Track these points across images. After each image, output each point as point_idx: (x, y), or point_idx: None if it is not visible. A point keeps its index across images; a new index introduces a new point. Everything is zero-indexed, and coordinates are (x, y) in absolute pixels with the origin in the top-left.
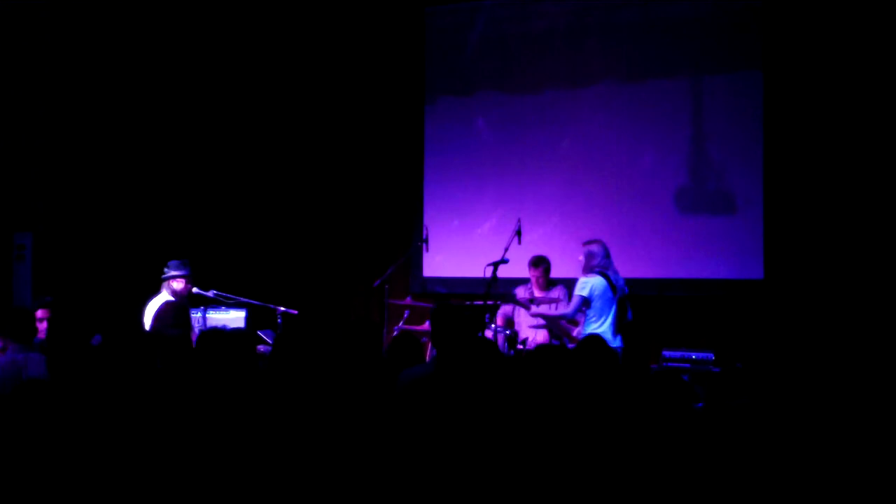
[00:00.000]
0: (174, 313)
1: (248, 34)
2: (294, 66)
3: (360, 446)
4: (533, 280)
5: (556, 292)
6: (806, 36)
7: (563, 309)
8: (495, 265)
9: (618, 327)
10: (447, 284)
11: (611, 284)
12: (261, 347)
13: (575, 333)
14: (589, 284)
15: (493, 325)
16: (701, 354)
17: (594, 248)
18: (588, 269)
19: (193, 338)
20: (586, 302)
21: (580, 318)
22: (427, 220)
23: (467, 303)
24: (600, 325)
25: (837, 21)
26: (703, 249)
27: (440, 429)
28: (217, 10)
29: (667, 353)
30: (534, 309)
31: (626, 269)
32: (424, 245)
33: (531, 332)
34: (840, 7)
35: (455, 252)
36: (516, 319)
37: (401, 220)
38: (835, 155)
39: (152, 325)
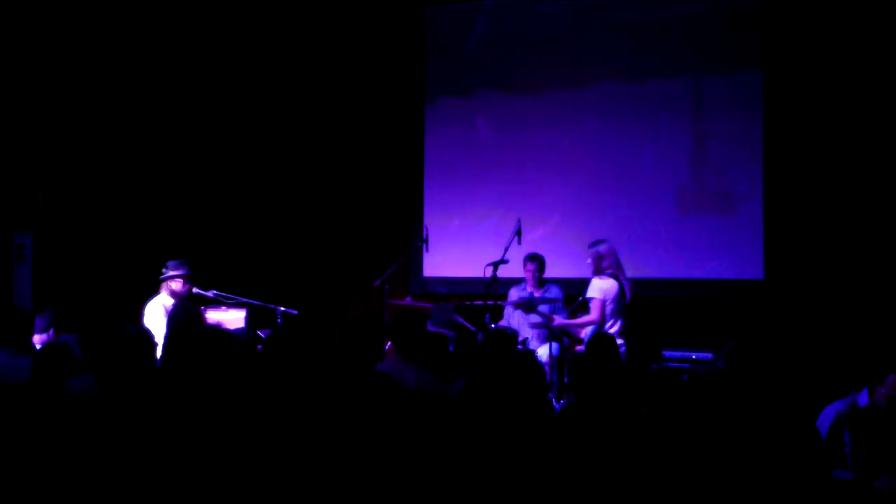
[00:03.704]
0: (187, 311)
1: (248, 34)
2: (294, 66)
3: (360, 446)
4: (528, 276)
5: (554, 292)
6: (806, 36)
7: (589, 316)
8: (495, 265)
9: (623, 332)
10: (447, 284)
11: (622, 290)
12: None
13: (582, 335)
14: (603, 287)
15: (492, 326)
16: (701, 354)
17: (603, 248)
18: (599, 272)
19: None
20: (603, 304)
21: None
22: (427, 220)
23: (467, 303)
24: (609, 329)
25: (838, 21)
26: (703, 249)
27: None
28: (217, 11)
29: (667, 353)
30: (557, 321)
31: (626, 269)
32: (424, 245)
33: (531, 332)
34: (840, 7)
35: (455, 252)
36: (515, 319)
37: (401, 220)
38: (835, 154)
39: (169, 325)
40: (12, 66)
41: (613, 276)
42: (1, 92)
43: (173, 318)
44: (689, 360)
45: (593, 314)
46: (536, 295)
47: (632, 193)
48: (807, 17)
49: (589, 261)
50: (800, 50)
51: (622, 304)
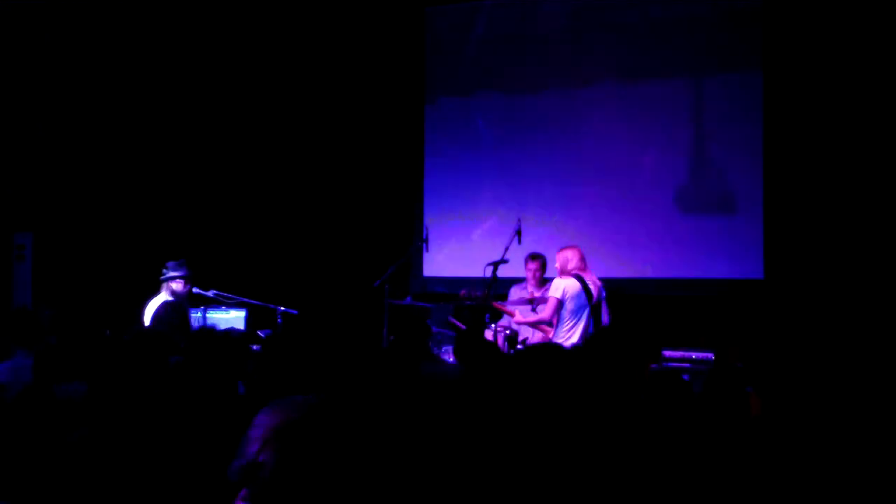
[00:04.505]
0: (174, 313)
1: (247, 34)
2: (294, 66)
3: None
4: (529, 275)
5: None
6: (806, 36)
7: (541, 314)
8: (495, 265)
9: (592, 331)
10: (447, 284)
11: (585, 288)
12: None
13: (550, 336)
14: (562, 286)
15: (492, 325)
16: (701, 354)
17: (568, 253)
18: (564, 273)
19: None
20: (560, 304)
21: (553, 320)
22: (427, 220)
23: (467, 303)
24: (572, 328)
25: (838, 21)
26: (703, 249)
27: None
28: (217, 10)
29: (667, 353)
30: (518, 318)
31: (626, 269)
32: (424, 245)
33: (531, 332)
34: (840, 7)
35: (455, 252)
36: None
37: (401, 220)
38: (835, 155)
39: (152, 326)
40: (12, 66)
41: (576, 276)
42: (1, 92)
43: (157, 318)
44: (689, 359)
45: (545, 312)
46: (537, 294)
47: (632, 193)
48: (807, 17)
49: (557, 265)
50: (800, 50)
51: (584, 304)
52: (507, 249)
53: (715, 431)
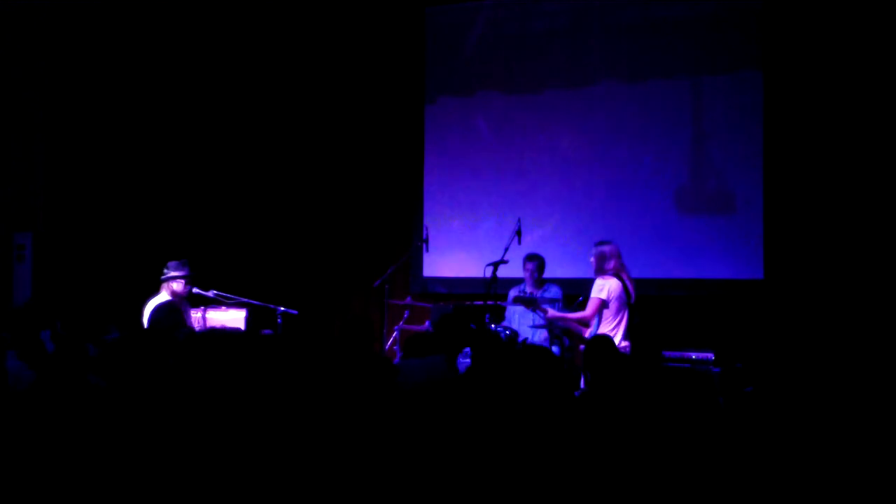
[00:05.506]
0: (170, 314)
1: (248, 34)
2: (294, 66)
3: (364, 446)
4: (527, 275)
5: (553, 291)
6: (806, 36)
7: (583, 312)
8: (495, 265)
9: (628, 331)
10: (447, 284)
11: (625, 288)
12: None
13: (587, 335)
14: (606, 286)
15: (492, 326)
16: (701, 354)
17: (607, 249)
18: (601, 272)
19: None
20: (604, 304)
21: (592, 320)
22: (427, 220)
23: (467, 303)
24: (614, 329)
25: (838, 21)
26: (703, 249)
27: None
28: (217, 11)
29: (667, 353)
30: (551, 313)
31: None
32: (424, 245)
33: (531, 332)
34: (840, 7)
35: (455, 252)
36: (516, 320)
37: (401, 220)
38: (835, 155)
39: (150, 326)
40: (12, 65)
41: (616, 275)
42: (1, 92)
43: (155, 319)
44: (689, 360)
45: (587, 310)
46: (536, 295)
47: (632, 193)
48: (807, 17)
49: (592, 259)
50: (800, 50)
51: (626, 304)
52: (506, 250)
53: (712, 430)
